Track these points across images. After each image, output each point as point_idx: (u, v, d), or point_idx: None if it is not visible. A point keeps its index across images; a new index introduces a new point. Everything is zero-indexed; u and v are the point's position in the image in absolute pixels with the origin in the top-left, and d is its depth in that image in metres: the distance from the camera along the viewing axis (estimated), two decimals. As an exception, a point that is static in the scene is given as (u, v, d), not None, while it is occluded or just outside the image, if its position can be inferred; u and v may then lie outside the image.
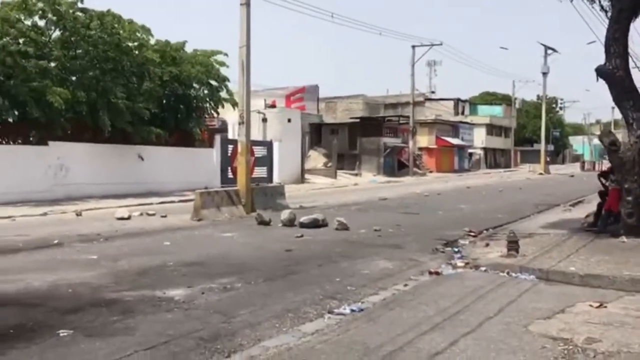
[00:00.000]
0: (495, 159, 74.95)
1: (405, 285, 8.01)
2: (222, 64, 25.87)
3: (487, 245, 10.93)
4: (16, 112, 19.01)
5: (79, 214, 16.48)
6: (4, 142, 19.89)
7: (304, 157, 35.59)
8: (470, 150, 66.17)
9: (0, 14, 19.24)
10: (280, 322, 6.19)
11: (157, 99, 23.60)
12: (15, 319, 6.17)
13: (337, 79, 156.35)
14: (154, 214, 16.40)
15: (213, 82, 25.97)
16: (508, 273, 8.72)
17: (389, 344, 5.47)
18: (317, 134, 44.52)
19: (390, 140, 46.27)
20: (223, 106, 26.82)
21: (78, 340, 5.50)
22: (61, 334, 5.66)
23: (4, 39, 18.59)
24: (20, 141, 20.16)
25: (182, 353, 5.20)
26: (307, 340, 5.64)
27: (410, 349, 5.35)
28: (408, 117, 47.81)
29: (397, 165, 46.93)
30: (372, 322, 6.27)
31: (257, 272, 8.72)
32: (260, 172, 28.55)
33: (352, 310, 6.67)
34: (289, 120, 34.51)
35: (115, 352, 5.18)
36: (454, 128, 61.69)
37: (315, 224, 13.83)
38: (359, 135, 44.63)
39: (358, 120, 46.55)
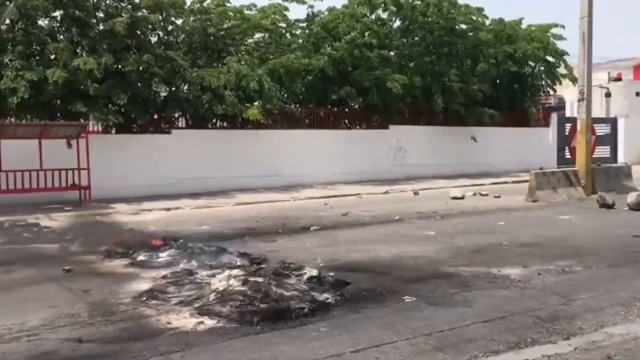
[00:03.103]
0: None
1: None
2: (560, 37, 24.49)
3: None
4: (361, 99, 20.92)
5: (416, 193, 17.54)
6: (351, 127, 22.12)
7: (656, 134, 31.80)
8: None
9: (348, 11, 21.40)
10: (627, 310, 5.78)
11: (491, 79, 23.60)
12: (368, 283, 6.92)
13: None
14: (486, 194, 16.57)
15: (550, 58, 24.81)
16: None
17: None
18: (672, 108, 39.20)
19: None
20: (560, 83, 25.50)
21: (421, 307, 5.95)
22: (406, 300, 6.21)
23: (352, 34, 20.59)
24: (364, 126, 22.17)
25: (520, 329, 5.24)
26: (658, 332, 5.18)
27: None
28: None
29: None
30: None
31: (599, 256, 8.22)
32: (602, 151, 26.44)
33: None
34: (638, 94, 31.14)
35: (454, 322, 5.47)
36: None
37: (668, 209, 12.38)
38: None
39: None
